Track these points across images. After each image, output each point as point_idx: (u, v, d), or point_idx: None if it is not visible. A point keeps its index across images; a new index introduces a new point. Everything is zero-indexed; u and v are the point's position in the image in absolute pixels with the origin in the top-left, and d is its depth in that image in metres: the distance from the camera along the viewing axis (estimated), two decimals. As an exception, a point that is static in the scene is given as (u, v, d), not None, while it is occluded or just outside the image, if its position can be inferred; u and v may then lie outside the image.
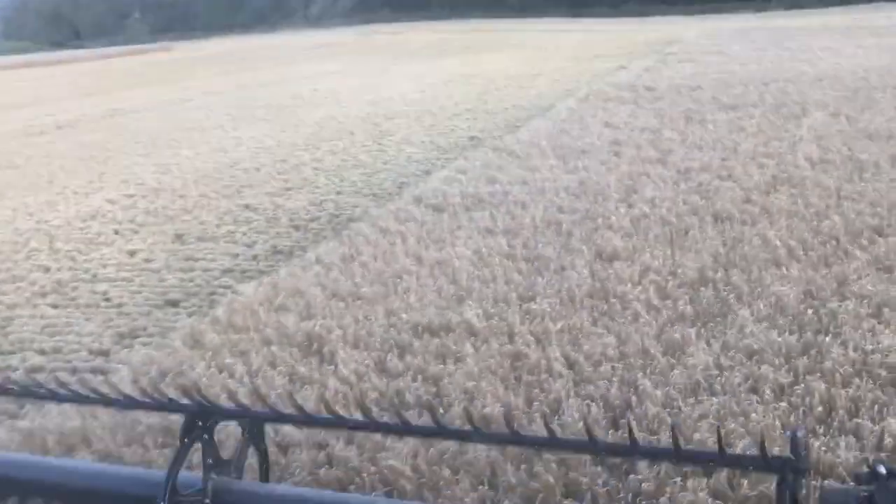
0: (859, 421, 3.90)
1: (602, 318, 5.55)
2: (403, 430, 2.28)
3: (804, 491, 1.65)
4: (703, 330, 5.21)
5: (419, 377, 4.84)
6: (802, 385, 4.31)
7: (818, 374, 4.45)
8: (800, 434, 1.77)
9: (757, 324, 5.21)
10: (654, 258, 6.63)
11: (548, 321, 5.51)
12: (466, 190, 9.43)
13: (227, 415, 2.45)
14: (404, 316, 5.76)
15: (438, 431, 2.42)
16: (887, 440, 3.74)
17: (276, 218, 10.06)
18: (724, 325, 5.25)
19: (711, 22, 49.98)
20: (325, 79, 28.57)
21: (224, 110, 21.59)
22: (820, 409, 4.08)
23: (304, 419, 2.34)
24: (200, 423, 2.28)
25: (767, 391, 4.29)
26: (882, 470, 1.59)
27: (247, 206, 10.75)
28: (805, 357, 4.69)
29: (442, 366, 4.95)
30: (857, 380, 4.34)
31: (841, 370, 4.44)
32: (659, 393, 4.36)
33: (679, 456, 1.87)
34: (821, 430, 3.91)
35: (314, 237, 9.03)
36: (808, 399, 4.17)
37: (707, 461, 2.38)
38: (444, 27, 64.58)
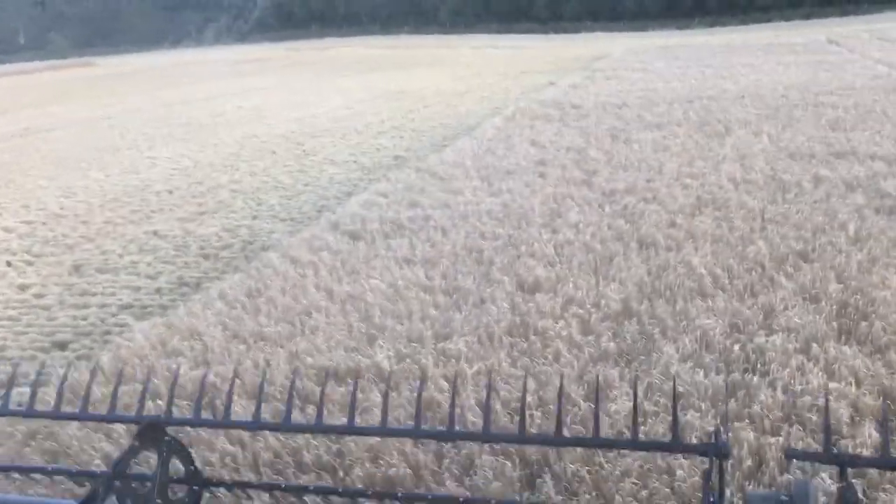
0: (791, 477, 3.61)
1: (521, 358, 5.19)
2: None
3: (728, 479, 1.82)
4: (626, 370, 4.90)
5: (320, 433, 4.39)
6: (730, 434, 4.02)
7: (746, 421, 4.17)
8: (722, 426, 1.90)
9: (682, 363, 4.92)
10: (578, 288, 6.33)
11: (463, 363, 5.12)
12: (386, 215, 9.02)
13: None
14: (309, 360, 5.30)
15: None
16: (822, 500, 3.46)
17: (186, 246, 9.47)
18: (649, 364, 4.96)
19: (637, 39, 50.95)
20: (251, 95, 27.85)
21: (142, 129, 20.72)
22: (749, 462, 3.79)
23: None
24: None
25: (694, 442, 3.98)
26: (801, 479, 1.63)
27: (155, 233, 10.12)
28: (732, 400, 4.41)
29: (346, 419, 4.51)
30: (786, 426, 4.07)
31: (770, 415, 4.17)
32: (579, 448, 4.00)
33: (615, 445, 2.03)
34: (751, 487, 3.61)
35: (224, 267, 8.49)
36: (736, 450, 3.87)
37: (650, 448, 2.48)
38: (374, 42, 64.29)
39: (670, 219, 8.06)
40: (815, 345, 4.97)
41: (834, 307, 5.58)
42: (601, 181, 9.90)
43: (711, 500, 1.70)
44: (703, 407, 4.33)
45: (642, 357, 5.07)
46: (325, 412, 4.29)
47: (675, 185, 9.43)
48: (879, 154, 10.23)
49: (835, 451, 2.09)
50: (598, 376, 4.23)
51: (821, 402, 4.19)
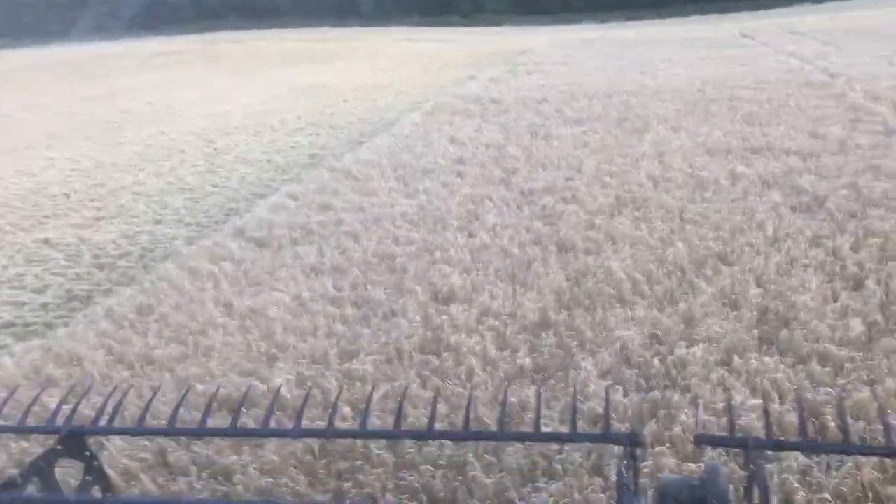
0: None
1: (432, 379, 4.84)
2: None
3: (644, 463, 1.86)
4: (543, 389, 4.60)
5: (204, 473, 3.96)
6: (651, 460, 3.75)
7: (667, 444, 3.92)
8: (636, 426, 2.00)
9: (600, 379, 4.65)
10: (494, 298, 6.02)
11: (370, 386, 4.74)
12: (295, 219, 8.54)
13: None
14: (200, 387, 4.82)
15: None
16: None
17: (79, 255, 8.79)
18: (566, 382, 4.67)
19: (560, 32, 51.22)
20: (162, 91, 26.73)
21: (42, 127, 19.56)
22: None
23: None
24: None
25: (612, 471, 3.70)
26: (712, 464, 1.72)
27: (46, 242, 9.39)
28: (653, 421, 4.15)
29: (236, 457, 4.08)
30: (709, 450, 3.83)
31: (691, 438, 3.92)
32: (489, 482, 3.68)
33: (540, 437, 2.12)
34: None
35: (119, 278, 7.88)
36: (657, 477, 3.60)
37: (565, 440, 2.55)
38: (294, 35, 62.91)
39: (590, 220, 7.83)
40: (736, 356, 4.77)
41: (754, 313, 5.42)
42: (520, 180, 9.63)
43: (626, 485, 1.76)
44: (623, 430, 4.05)
45: (559, 374, 4.78)
46: (212, 450, 3.86)
47: (594, 184, 9.22)
48: (794, 149, 10.25)
49: (739, 436, 2.16)
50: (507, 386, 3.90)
51: (742, 422, 3.98)
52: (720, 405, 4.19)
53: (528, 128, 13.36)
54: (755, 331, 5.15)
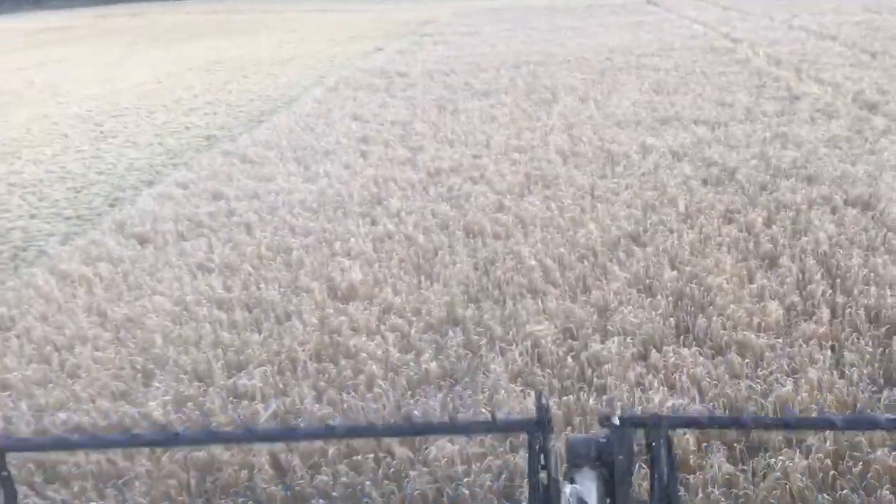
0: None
1: (328, 391, 4.38)
2: None
3: (552, 444, 1.82)
4: (448, 398, 4.20)
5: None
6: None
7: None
8: (543, 399, 1.95)
9: (512, 382, 4.29)
10: (397, 293, 5.58)
11: (258, 405, 4.25)
12: (183, 211, 7.88)
13: None
14: (62, 416, 4.24)
15: None
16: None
17: (-60, 258, 7.93)
18: (474, 388, 4.28)
19: (465, 2, 50.68)
20: (47, 69, 25.02)
21: None
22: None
23: None
24: None
25: (521, 496, 3.34)
26: (616, 421, 1.73)
27: None
28: (569, 429, 3.81)
29: (101, 501, 3.55)
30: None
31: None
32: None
33: (453, 429, 2.21)
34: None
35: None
36: None
37: (474, 431, 2.48)
38: (195, 7, 60.37)
39: (498, 201, 7.45)
40: (653, 349, 4.47)
41: (670, 299, 5.15)
42: (426, 159, 9.18)
43: (540, 466, 1.77)
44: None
45: (467, 380, 4.39)
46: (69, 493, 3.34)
47: (503, 161, 8.86)
48: (702, 118, 10.12)
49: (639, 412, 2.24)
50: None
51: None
52: (638, 408, 3.88)
53: (435, 101, 12.89)
54: (671, 319, 4.88)
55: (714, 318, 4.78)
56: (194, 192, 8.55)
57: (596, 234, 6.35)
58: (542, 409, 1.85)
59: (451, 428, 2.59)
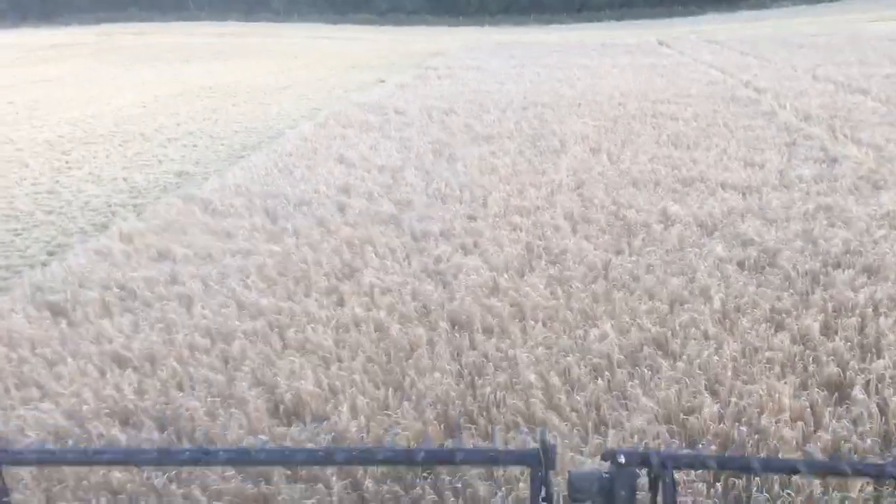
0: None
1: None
2: None
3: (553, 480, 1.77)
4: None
5: None
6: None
7: None
8: (547, 434, 1.92)
9: None
10: (356, 413, 4.31)
11: None
12: (117, 274, 6.61)
13: None
14: None
15: None
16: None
17: None
18: None
19: (475, 34, 49.92)
20: (31, 88, 23.90)
21: None
22: None
23: None
24: None
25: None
26: (621, 458, 1.71)
27: None
28: None
29: None
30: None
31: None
32: None
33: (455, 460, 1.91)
34: None
35: None
36: None
37: (474, 461, 2.51)
38: (201, 29, 59.78)
39: (493, 280, 6.19)
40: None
41: (713, 448, 3.86)
42: (413, 218, 7.93)
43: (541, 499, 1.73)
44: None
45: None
46: None
47: (501, 225, 7.61)
48: (730, 182, 8.89)
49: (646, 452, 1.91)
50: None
51: None
52: None
53: (432, 145, 11.70)
54: (717, 484, 3.58)
55: (776, 489, 3.49)
56: (138, 248, 7.29)
57: (612, 337, 5.07)
58: (545, 444, 1.74)
59: (453, 458, 2.18)
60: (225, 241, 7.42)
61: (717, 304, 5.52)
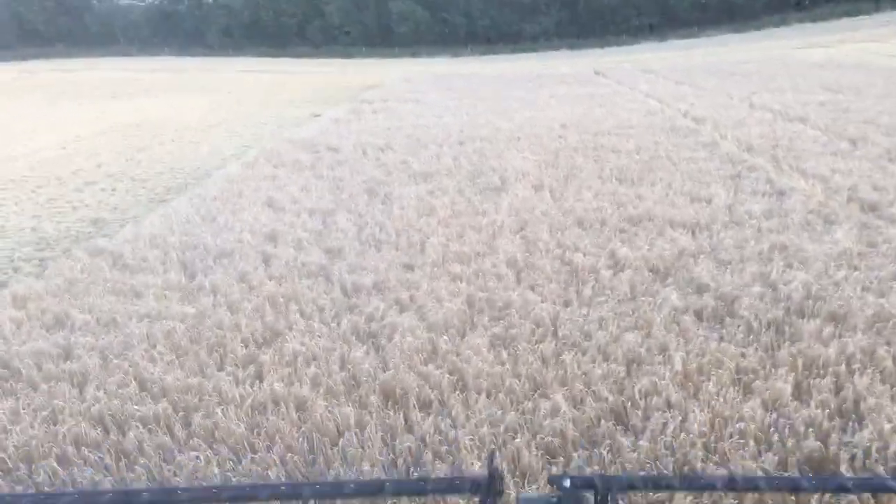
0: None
1: None
2: None
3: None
4: None
5: None
6: None
7: None
8: (495, 460, 2.09)
9: None
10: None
11: None
12: (2, 349, 5.79)
13: None
14: None
15: None
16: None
17: None
18: None
19: (411, 66, 49.73)
20: (-57, 129, 22.65)
21: None
22: None
23: None
24: None
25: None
26: (567, 483, 1.71)
27: None
28: None
29: None
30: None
31: None
32: None
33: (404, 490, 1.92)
34: None
35: None
36: None
37: (418, 491, 2.08)
38: (129, 65, 58.30)
39: (431, 342, 5.57)
40: None
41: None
42: (344, 269, 7.28)
43: None
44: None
45: None
46: None
47: (439, 276, 7.01)
48: (679, 219, 8.48)
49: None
50: None
51: None
52: None
53: (366, 185, 11.09)
54: None
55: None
56: (31, 315, 6.47)
57: (565, 410, 4.49)
58: (493, 470, 1.74)
59: (402, 488, 2.07)
60: (132, 303, 6.65)
61: (677, 365, 4.99)
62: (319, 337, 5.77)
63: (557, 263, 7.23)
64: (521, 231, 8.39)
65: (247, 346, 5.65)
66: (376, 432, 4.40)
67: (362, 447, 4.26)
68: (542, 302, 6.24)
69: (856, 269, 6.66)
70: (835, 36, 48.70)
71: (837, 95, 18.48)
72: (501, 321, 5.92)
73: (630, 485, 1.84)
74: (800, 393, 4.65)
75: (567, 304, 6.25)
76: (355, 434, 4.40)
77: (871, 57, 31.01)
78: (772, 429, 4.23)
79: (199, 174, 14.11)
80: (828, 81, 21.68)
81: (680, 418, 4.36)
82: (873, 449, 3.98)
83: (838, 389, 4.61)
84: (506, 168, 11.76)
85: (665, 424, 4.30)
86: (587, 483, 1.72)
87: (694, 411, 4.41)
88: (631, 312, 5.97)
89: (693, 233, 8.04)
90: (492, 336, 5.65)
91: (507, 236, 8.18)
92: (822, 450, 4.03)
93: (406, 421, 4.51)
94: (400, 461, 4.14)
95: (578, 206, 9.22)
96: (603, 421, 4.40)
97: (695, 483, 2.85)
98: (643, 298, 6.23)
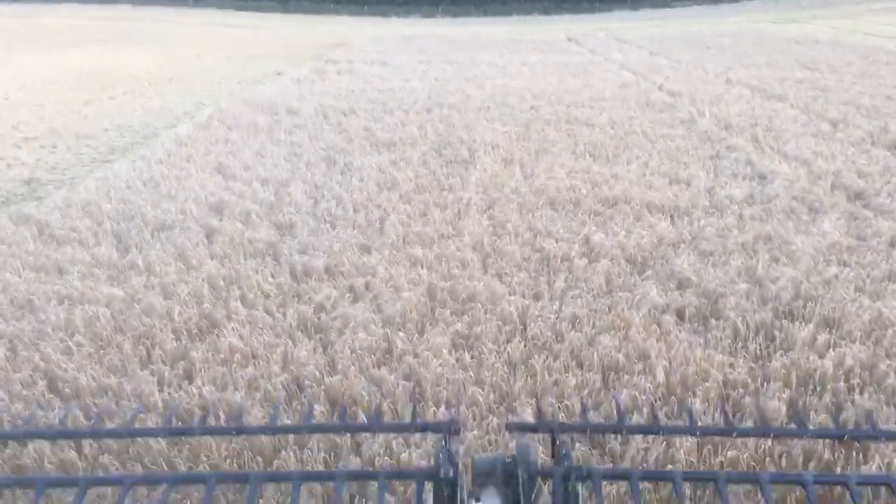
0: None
1: None
2: None
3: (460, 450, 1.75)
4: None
5: None
6: None
7: None
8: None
9: None
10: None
11: None
12: None
13: None
14: None
15: None
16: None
17: None
18: None
19: (382, 26, 48.40)
20: None
21: None
22: None
23: None
24: None
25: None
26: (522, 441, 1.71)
27: None
28: None
29: None
30: None
31: None
32: None
33: (376, 428, 2.00)
34: None
35: None
36: None
37: (392, 429, 2.67)
38: (87, 13, 56.04)
39: (386, 338, 4.99)
40: None
41: None
42: (295, 249, 6.64)
43: (446, 472, 1.65)
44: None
45: None
46: None
47: (399, 260, 6.40)
48: (657, 203, 7.95)
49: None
50: None
51: None
52: None
53: (325, 152, 10.38)
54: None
55: None
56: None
57: (532, 419, 3.94)
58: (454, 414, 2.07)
59: (370, 428, 2.14)
60: (54, 282, 5.95)
61: (659, 376, 4.47)
62: (261, 329, 5.14)
63: (528, 249, 6.65)
64: (489, 210, 7.80)
65: (178, 339, 5.01)
66: (318, 451, 3.81)
67: (303, 467, 3.68)
68: (511, 294, 5.67)
69: (846, 265, 6.19)
70: (809, 11, 48.41)
71: (815, 73, 18.05)
72: (465, 316, 5.35)
73: (579, 427, 1.87)
74: (795, 414, 4.15)
75: (537, 297, 5.69)
76: (293, 452, 3.81)
77: (845, 36, 30.67)
78: (767, 460, 3.73)
79: (148, 132, 13.23)
80: (804, 58, 21.25)
81: (664, 443, 3.84)
82: (883, 492, 3.50)
83: (840, 412, 4.12)
84: (474, 139, 11.13)
85: (647, 451, 3.78)
86: (542, 427, 1.75)
87: (684, 440, 3.89)
88: (607, 310, 5.44)
89: (672, 218, 7.52)
90: (454, 334, 5.08)
91: (474, 216, 7.58)
92: (828, 491, 3.53)
93: (354, 441, 3.93)
94: (345, 494, 3.56)
95: (551, 185, 8.63)
96: (578, 444, 3.86)
97: (646, 429, 2.65)
98: (620, 294, 5.69)
